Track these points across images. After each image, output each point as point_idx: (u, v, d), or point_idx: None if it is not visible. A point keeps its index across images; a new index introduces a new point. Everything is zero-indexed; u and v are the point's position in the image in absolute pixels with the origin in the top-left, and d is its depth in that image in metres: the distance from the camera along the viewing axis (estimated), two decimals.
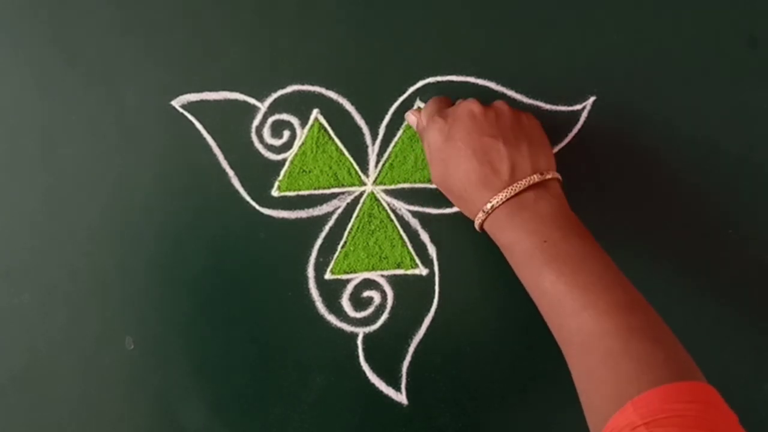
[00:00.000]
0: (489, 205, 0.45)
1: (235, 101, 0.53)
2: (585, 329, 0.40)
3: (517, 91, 0.53)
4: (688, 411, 0.34)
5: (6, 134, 0.53)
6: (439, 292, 0.53)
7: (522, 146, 0.46)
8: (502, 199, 0.45)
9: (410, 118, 0.52)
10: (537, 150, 0.46)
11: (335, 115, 0.53)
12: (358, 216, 0.54)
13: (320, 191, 0.53)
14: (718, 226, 0.53)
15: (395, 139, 0.54)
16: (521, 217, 0.44)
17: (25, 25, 0.53)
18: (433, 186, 0.53)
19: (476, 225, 0.47)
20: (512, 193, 0.45)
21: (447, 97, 0.51)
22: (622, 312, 0.39)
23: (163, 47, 0.53)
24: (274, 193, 0.53)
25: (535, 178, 0.45)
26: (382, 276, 0.53)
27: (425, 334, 0.53)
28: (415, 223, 0.53)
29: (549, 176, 0.46)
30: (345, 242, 0.53)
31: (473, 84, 0.53)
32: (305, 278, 0.53)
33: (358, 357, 0.53)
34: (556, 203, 0.45)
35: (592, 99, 0.53)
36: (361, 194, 0.54)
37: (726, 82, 0.53)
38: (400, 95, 0.53)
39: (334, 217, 0.53)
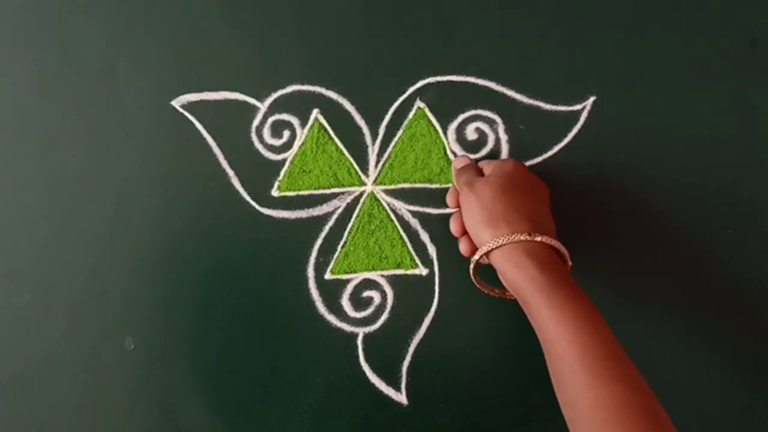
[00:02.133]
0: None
1: (235, 101, 0.53)
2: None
3: (517, 91, 0.53)
4: None
5: (6, 134, 0.53)
6: (439, 292, 0.53)
7: None
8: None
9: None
10: None
11: (335, 115, 0.53)
12: (358, 216, 0.53)
13: (320, 191, 0.53)
14: (717, 226, 0.53)
15: (395, 139, 0.53)
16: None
17: (25, 25, 0.53)
18: (433, 186, 0.53)
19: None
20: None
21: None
22: None
23: (163, 47, 0.53)
24: (274, 193, 0.53)
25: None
26: (382, 276, 0.53)
27: (425, 334, 0.53)
28: (415, 223, 0.53)
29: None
30: (345, 242, 0.53)
31: (473, 84, 0.53)
32: (305, 278, 0.53)
33: (358, 357, 0.53)
34: None
35: (592, 99, 0.53)
36: (361, 194, 0.54)
37: (726, 82, 0.53)
38: (400, 95, 0.53)
39: (334, 217, 0.53)
